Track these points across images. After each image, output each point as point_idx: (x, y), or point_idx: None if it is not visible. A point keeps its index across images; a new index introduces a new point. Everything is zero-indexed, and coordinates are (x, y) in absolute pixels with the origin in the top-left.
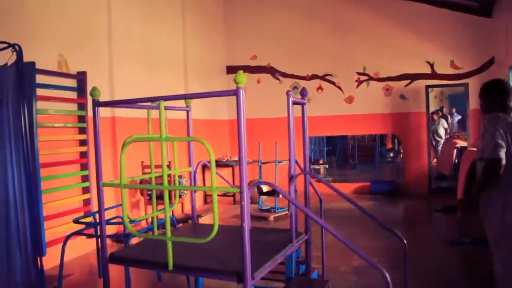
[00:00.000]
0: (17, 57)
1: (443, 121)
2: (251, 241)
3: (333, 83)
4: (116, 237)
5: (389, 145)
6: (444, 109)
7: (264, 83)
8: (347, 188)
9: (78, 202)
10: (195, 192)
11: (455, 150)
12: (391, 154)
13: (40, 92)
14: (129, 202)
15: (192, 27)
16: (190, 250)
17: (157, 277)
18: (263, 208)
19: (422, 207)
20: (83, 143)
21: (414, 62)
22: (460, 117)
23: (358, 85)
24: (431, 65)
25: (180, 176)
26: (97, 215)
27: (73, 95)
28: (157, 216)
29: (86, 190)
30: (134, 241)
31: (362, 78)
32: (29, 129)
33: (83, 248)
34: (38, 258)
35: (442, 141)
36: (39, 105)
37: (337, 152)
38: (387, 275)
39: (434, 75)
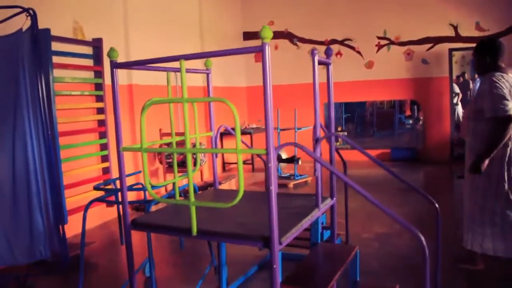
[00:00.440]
0: (32, 22)
1: (454, 86)
2: (277, 206)
3: (352, 48)
4: (137, 203)
5: (408, 112)
6: (466, 75)
7: (282, 49)
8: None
9: (97, 171)
10: (216, 157)
11: None
12: (410, 121)
13: (56, 59)
14: (148, 170)
15: None
16: (213, 216)
17: (179, 246)
18: (283, 175)
19: (444, 173)
20: (100, 111)
21: (437, 25)
22: None
23: (378, 50)
24: (455, 28)
25: (199, 143)
26: (117, 182)
27: (89, 62)
28: (178, 182)
29: (105, 158)
30: (153, 209)
31: (383, 42)
32: (47, 98)
33: (103, 216)
34: (60, 226)
35: (456, 108)
36: (56, 73)
37: (355, 119)
38: (422, 238)
39: (458, 38)
